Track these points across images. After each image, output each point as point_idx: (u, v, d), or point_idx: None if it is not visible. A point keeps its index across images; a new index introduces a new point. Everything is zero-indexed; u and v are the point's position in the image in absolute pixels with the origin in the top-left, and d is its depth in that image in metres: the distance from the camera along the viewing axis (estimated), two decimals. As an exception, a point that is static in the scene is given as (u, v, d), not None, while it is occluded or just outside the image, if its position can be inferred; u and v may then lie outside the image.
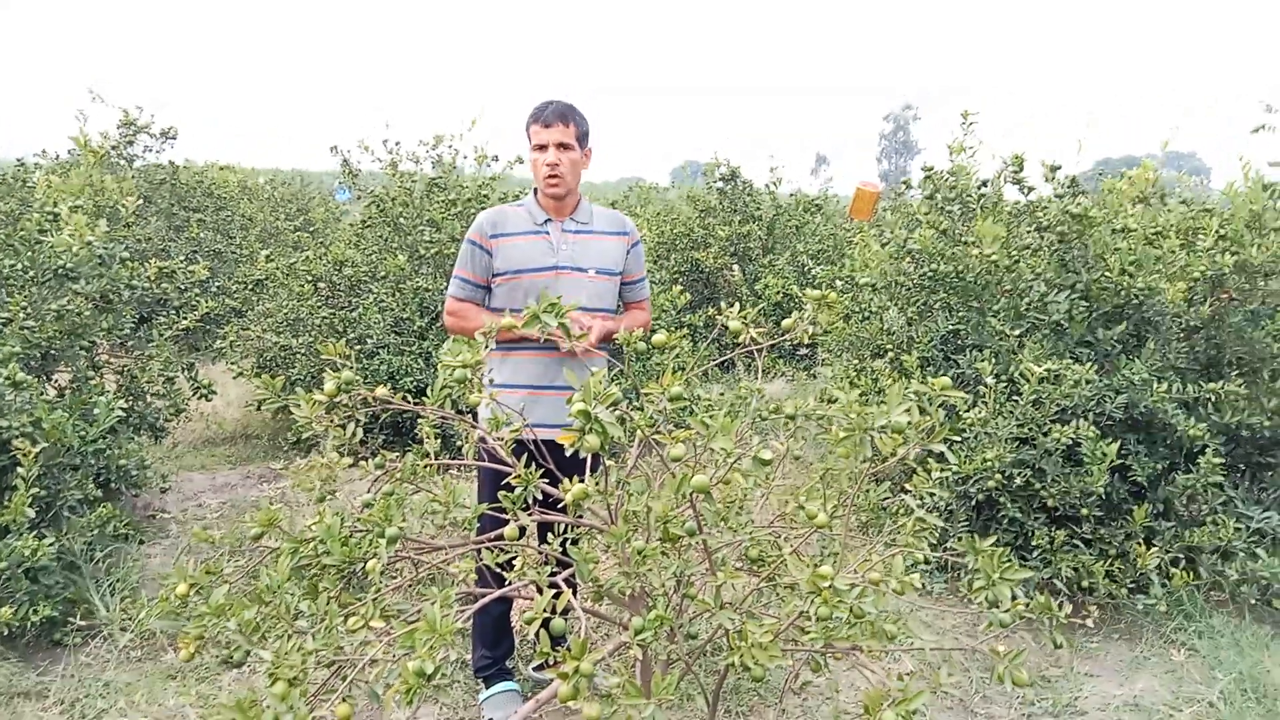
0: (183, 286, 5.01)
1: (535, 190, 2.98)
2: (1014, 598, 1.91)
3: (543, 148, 2.85)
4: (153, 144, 8.88)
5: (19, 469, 3.26)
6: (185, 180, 9.35)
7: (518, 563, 2.28)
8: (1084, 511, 3.66)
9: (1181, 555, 3.68)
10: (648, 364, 5.94)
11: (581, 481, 2.84)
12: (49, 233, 4.19)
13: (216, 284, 7.49)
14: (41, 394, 3.84)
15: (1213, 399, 3.72)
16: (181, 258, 6.31)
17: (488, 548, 2.18)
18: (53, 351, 4.23)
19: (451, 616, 1.64)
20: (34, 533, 3.29)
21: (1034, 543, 3.72)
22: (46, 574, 3.34)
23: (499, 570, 2.21)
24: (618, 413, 1.73)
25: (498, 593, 2.05)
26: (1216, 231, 3.93)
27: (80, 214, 4.27)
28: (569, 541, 2.19)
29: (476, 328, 2.68)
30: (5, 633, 3.24)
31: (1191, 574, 3.59)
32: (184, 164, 10.15)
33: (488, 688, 3.09)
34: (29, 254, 4.11)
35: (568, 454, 1.75)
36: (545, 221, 2.92)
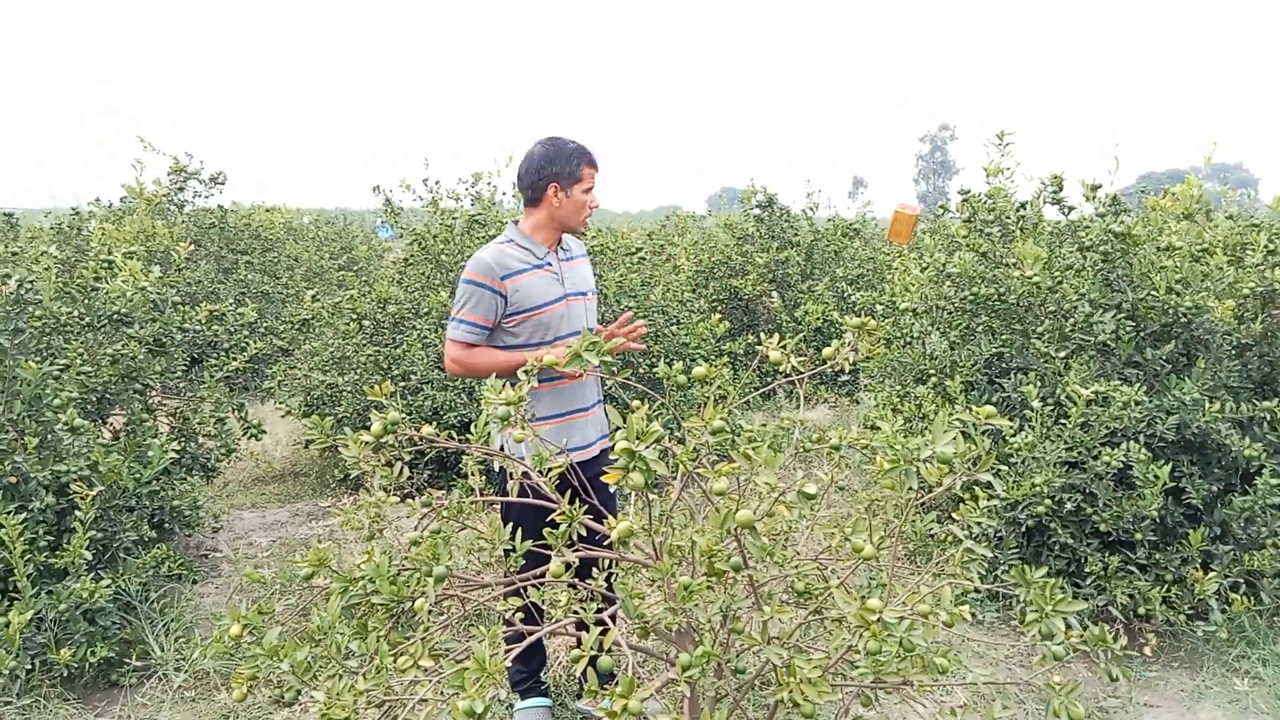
0: (232, 329, 5.12)
1: (514, 224, 3.08)
2: (1068, 628, 1.88)
3: (590, 190, 3.02)
4: (202, 189, 9.13)
5: (77, 512, 3.34)
6: (233, 224, 9.57)
7: (562, 598, 2.28)
8: (1138, 536, 3.58)
9: (1241, 580, 3.58)
10: (688, 395, 5.94)
11: (612, 498, 2.87)
12: (104, 279, 4.32)
13: (264, 324, 7.63)
14: (98, 438, 3.93)
15: (1268, 418, 3.63)
16: (230, 300, 6.45)
17: (533, 584, 2.19)
18: (108, 395, 4.34)
19: (500, 655, 1.66)
20: (91, 575, 3.36)
21: (1087, 569, 3.64)
22: (104, 615, 3.41)
23: (541, 604, 2.23)
24: (660, 448, 1.74)
25: (545, 629, 2.06)
26: (1265, 246, 3.86)
27: (134, 260, 4.40)
28: (612, 576, 2.20)
29: (490, 368, 2.84)
30: (65, 674, 3.31)
31: (1253, 599, 3.49)
32: (231, 206, 10.40)
33: (522, 700, 3.12)
34: (85, 301, 4.23)
35: (611, 490, 1.76)
36: (545, 255, 3.02)
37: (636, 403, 1.96)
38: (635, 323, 3.04)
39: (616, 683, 1.66)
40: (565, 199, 2.98)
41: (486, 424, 2.30)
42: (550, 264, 3.02)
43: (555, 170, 2.96)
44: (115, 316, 4.24)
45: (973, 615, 3.79)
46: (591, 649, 1.79)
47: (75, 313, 4.19)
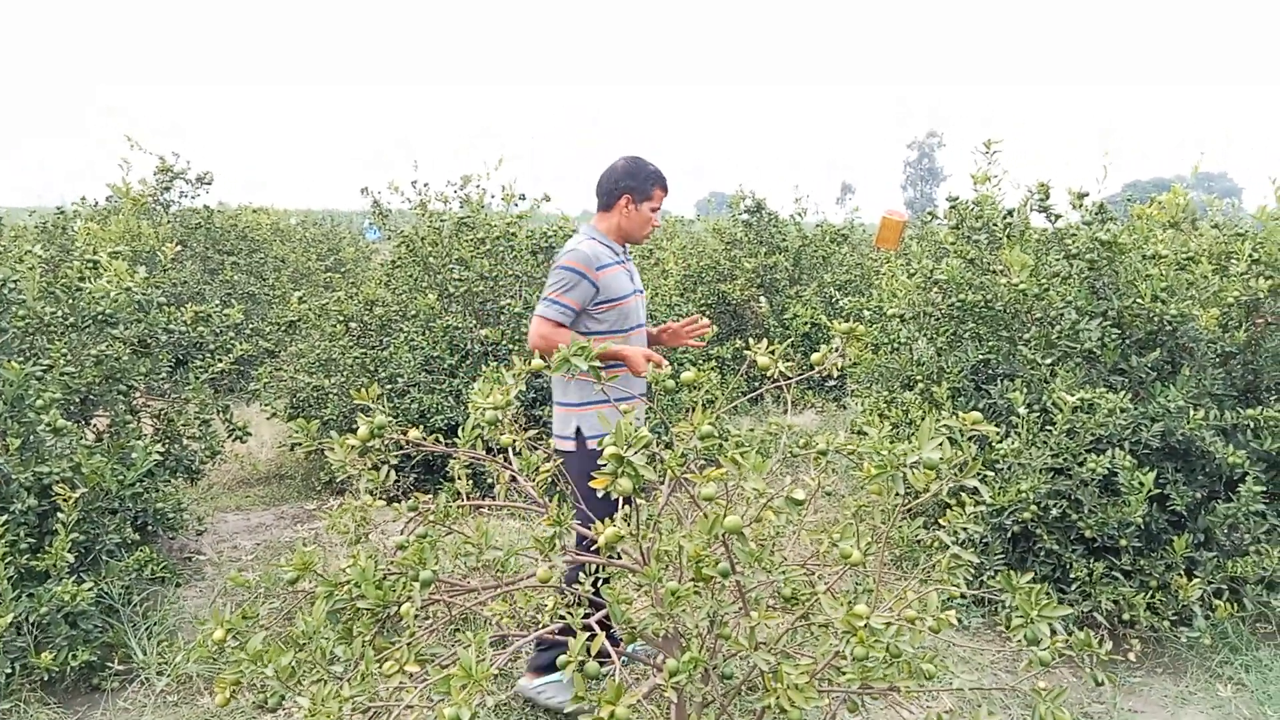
0: (218, 330, 5.09)
1: (589, 225, 3.39)
2: (1053, 633, 1.88)
3: (656, 210, 3.38)
4: (188, 189, 9.07)
5: (59, 514, 3.31)
6: (219, 224, 9.51)
7: (549, 602, 2.28)
8: (1123, 542, 3.60)
9: (1225, 586, 3.61)
10: (676, 399, 5.93)
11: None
12: (89, 279, 4.28)
13: (250, 326, 7.58)
14: (81, 439, 3.90)
15: (1252, 425, 3.66)
16: (216, 301, 6.41)
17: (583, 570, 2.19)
18: (91, 396, 4.30)
19: (487, 661, 1.65)
20: (73, 577, 3.33)
21: (1072, 575, 3.66)
22: (85, 619, 3.38)
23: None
24: (648, 453, 1.74)
25: (532, 635, 2.05)
26: (1250, 256, 3.89)
27: (120, 260, 4.37)
28: (602, 581, 2.19)
29: None
30: (45, 678, 3.27)
31: (1236, 605, 3.51)
32: (218, 206, 10.35)
33: (551, 674, 3.15)
34: (69, 301, 4.19)
35: (599, 496, 1.76)
36: (620, 253, 3.36)
37: (625, 406, 1.96)
38: (701, 321, 3.46)
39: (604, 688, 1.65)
40: (634, 211, 3.32)
41: (475, 427, 2.30)
42: (625, 261, 3.37)
43: (631, 184, 3.31)
44: (100, 317, 4.20)
45: (959, 620, 3.80)
46: (580, 655, 1.79)
47: (59, 313, 4.16)
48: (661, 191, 3.37)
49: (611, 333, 3.26)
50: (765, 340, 2.46)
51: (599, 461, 1.81)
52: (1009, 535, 3.82)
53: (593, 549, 2.10)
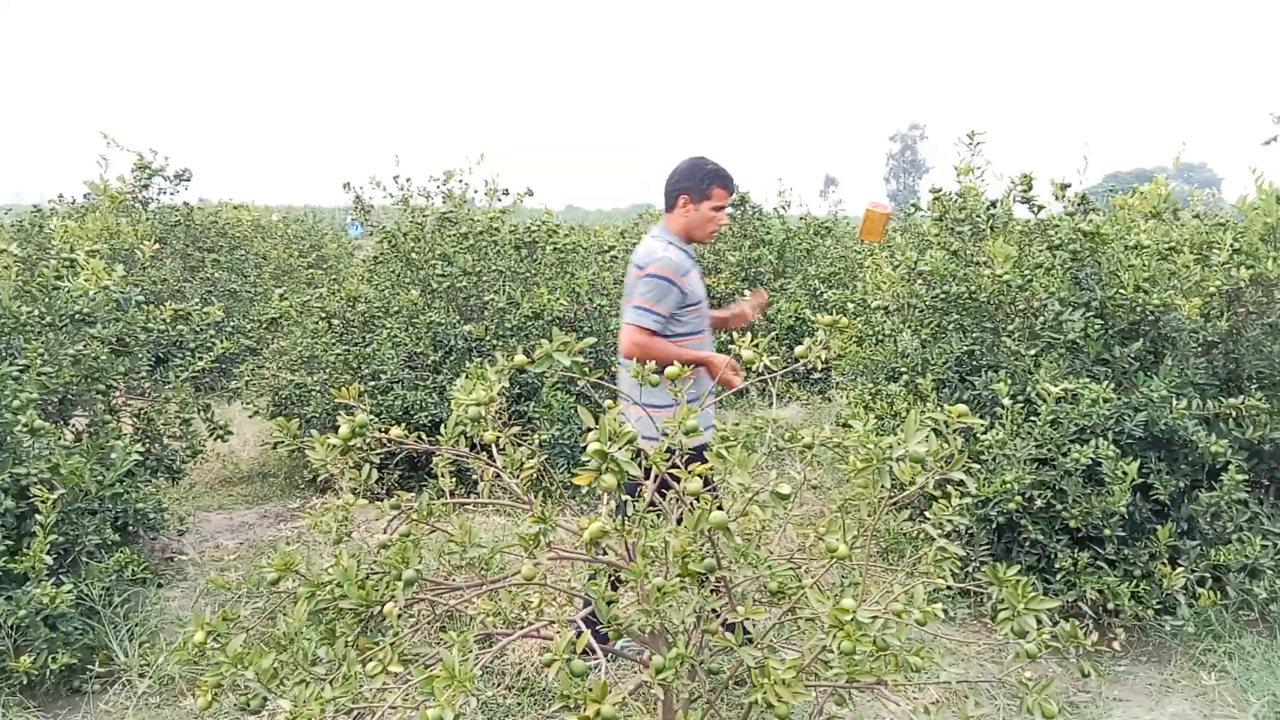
0: (198, 328, 5.04)
1: (661, 228, 3.44)
2: (1039, 624, 1.88)
3: (721, 209, 3.41)
4: (167, 186, 8.96)
5: (37, 516, 3.27)
6: (199, 221, 9.41)
7: (535, 599, 2.26)
8: (1107, 532, 3.61)
9: (1208, 574, 3.62)
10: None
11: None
12: (66, 278, 4.23)
13: (231, 324, 7.51)
14: (59, 439, 3.85)
15: (1233, 414, 3.67)
16: (197, 299, 6.35)
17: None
18: (70, 396, 4.25)
19: (471, 660, 1.63)
20: (52, 580, 3.29)
21: (1057, 565, 3.67)
22: (65, 621, 3.34)
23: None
24: (633, 448, 1.73)
25: (516, 635, 2.04)
26: (1231, 245, 3.90)
27: (97, 259, 4.31)
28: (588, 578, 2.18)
29: (664, 354, 3.18)
30: (25, 681, 3.23)
31: (1219, 593, 3.53)
32: (198, 203, 10.22)
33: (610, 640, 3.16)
34: (46, 300, 4.14)
35: (585, 492, 1.74)
36: (691, 256, 3.44)
37: (610, 403, 1.94)
38: (762, 297, 3.71)
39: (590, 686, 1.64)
40: (693, 211, 3.37)
41: (458, 424, 2.28)
42: (696, 263, 3.44)
43: (688, 185, 3.36)
44: (77, 316, 4.15)
45: (945, 612, 3.80)
46: (565, 652, 1.77)
47: (36, 312, 4.10)
48: (722, 190, 3.38)
49: (692, 334, 3.35)
50: (750, 334, 2.45)
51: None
52: (994, 526, 3.83)
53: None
